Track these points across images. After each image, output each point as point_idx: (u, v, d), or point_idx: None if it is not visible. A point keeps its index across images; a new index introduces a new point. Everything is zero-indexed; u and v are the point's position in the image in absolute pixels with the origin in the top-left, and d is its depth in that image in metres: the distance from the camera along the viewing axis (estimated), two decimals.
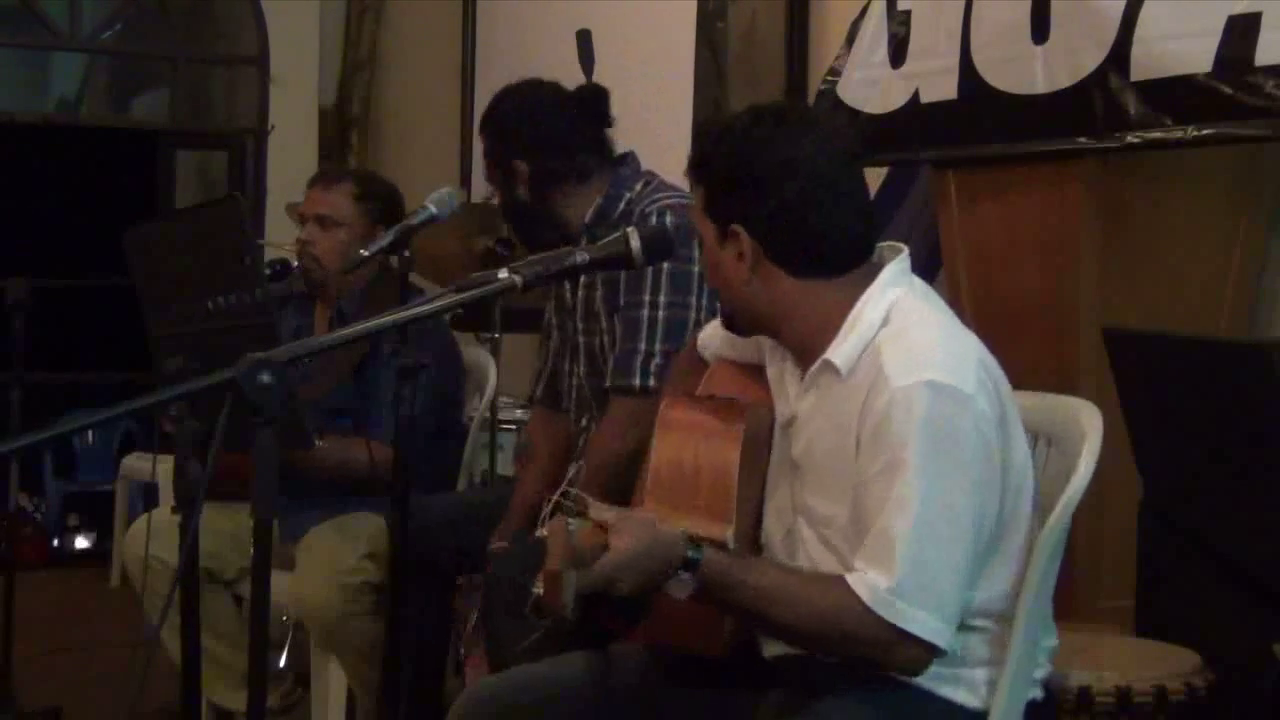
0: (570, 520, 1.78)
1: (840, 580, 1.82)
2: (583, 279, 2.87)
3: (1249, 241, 2.97)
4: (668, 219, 2.76)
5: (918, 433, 1.81)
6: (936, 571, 1.80)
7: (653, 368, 2.72)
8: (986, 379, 1.88)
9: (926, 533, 1.80)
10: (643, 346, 2.74)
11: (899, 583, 1.78)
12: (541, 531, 1.77)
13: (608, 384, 2.79)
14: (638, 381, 2.73)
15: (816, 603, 1.83)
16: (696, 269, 2.70)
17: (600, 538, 1.78)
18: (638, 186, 2.90)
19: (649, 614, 1.88)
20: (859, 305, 1.94)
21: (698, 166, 2.01)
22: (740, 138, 1.96)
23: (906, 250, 2.01)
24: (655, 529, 1.81)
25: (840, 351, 1.93)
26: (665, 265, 2.67)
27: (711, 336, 2.28)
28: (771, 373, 2.12)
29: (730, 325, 2.09)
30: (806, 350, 1.99)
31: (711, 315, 2.74)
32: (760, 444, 2.07)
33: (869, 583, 1.80)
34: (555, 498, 1.84)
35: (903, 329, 1.91)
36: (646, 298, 2.75)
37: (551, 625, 1.79)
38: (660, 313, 2.75)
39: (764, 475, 2.09)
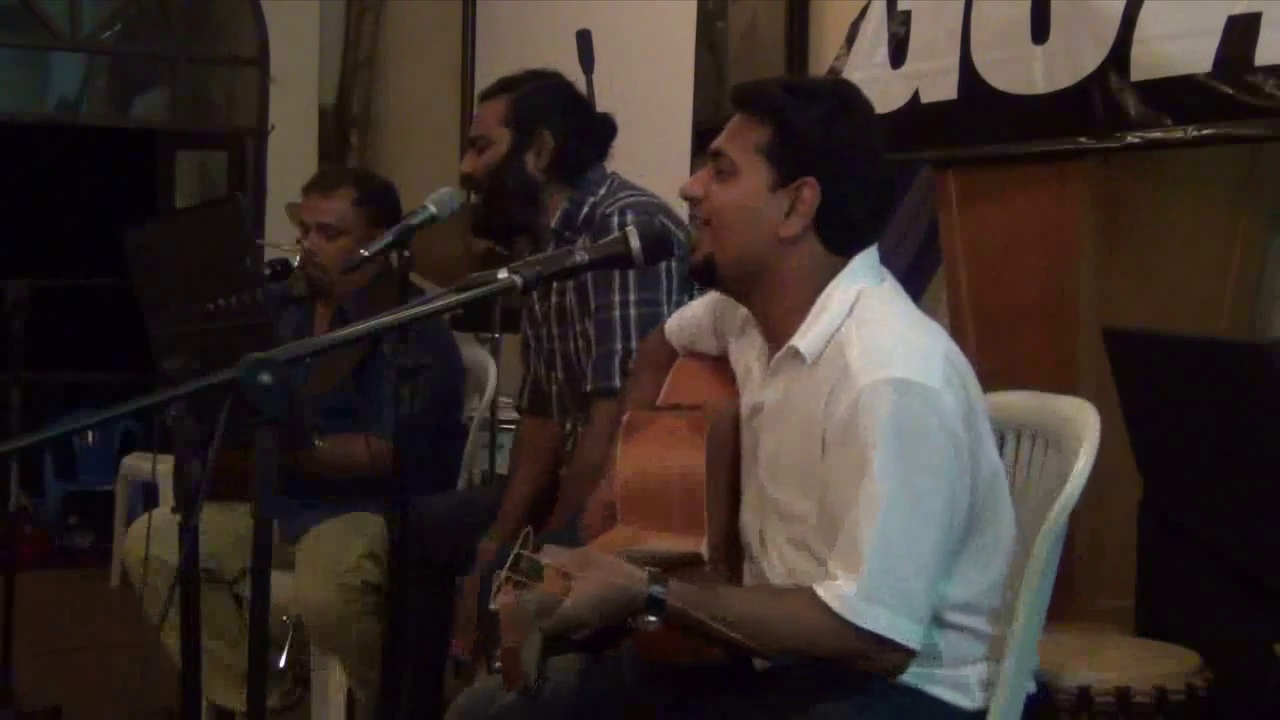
0: (526, 595, 1.75)
1: (809, 593, 1.82)
2: (555, 284, 2.86)
3: (1249, 241, 2.97)
4: (628, 217, 2.75)
5: (884, 432, 1.80)
6: (904, 572, 1.80)
7: (630, 367, 2.72)
8: (953, 373, 1.88)
9: (893, 535, 1.80)
10: (619, 346, 2.74)
11: (866, 587, 1.78)
12: (494, 605, 1.75)
13: (588, 388, 2.79)
14: (618, 383, 2.72)
15: (788, 624, 1.82)
16: (663, 264, 2.70)
17: (563, 585, 1.75)
18: (601, 190, 2.89)
19: (623, 640, 1.86)
20: (827, 290, 1.95)
21: (778, 106, 1.96)
22: (840, 108, 1.97)
23: (874, 245, 2.01)
24: (617, 571, 1.78)
25: (806, 339, 1.93)
26: None
27: (680, 328, 2.28)
28: (736, 362, 2.12)
29: (708, 274, 2.02)
30: (776, 326, 1.99)
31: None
32: (725, 448, 2.05)
33: (837, 591, 1.79)
34: (506, 572, 1.80)
35: (867, 322, 1.91)
36: (617, 298, 2.75)
37: (519, 694, 1.77)
38: (632, 311, 2.74)
39: (734, 476, 2.08)
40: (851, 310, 1.93)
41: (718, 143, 2.00)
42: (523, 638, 1.71)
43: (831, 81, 2.04)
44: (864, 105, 2.02)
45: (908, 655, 1.82)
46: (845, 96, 2.02)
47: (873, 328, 1.90)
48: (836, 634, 1.79)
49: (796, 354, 1.93)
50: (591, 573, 1.77)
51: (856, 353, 1.86)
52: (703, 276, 2.04)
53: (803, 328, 1.94)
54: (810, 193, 1.93)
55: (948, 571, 1.88)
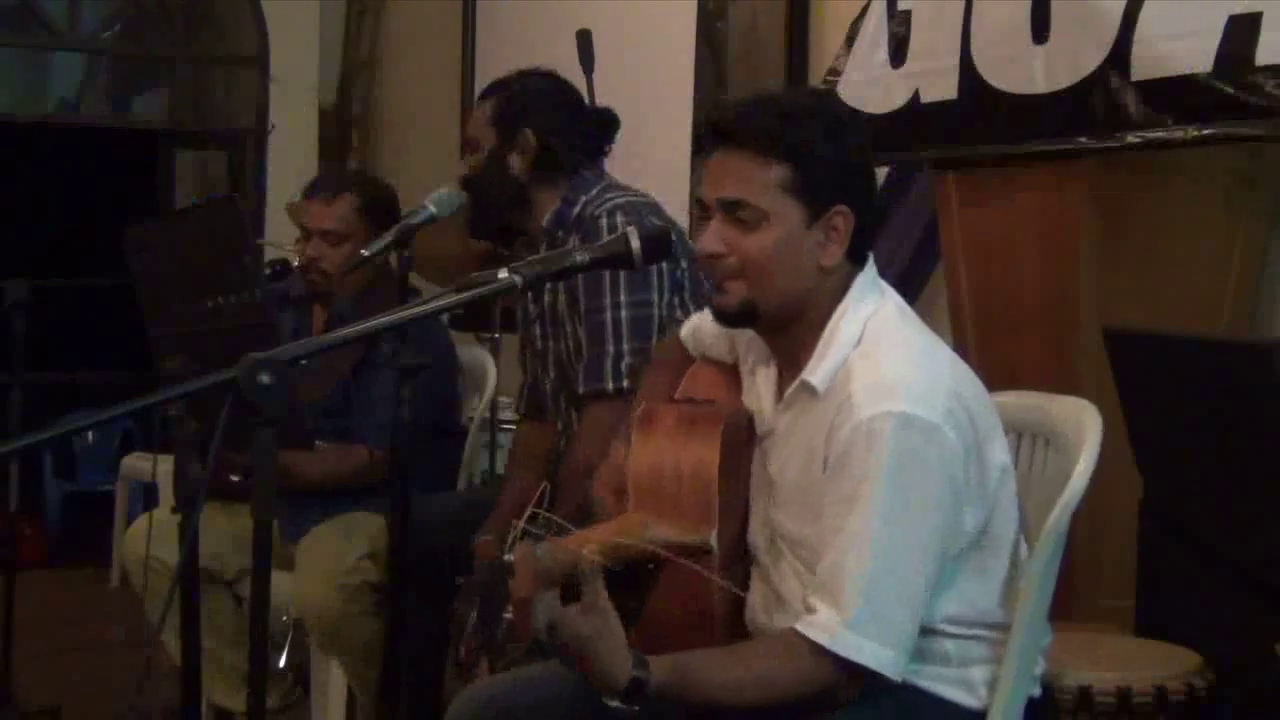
0: (539, 546, 1.75)
1: (790, 636, 1.82)
2: (547, 286, 2.86)
3: (1249, 241, 2.97)
4: (618, 218, 2.75)
5: (881, 465, 1.80)
6: (891, 606, 1.80)
7: (623, 368, 2.72)
8: (956, 406, 1.86)
9: (882, 568, 1.79)
10: (610, 348, 2.74)
11: (851, 619, 1.78)
12: (509, 557, 1.75)
13: (580, 390, 2.79)
14: (610, 384, 2.73)
15: (769, 678, 1.81)
16: (653, 265, 2.69)
17: (570, 555, 1.74)
18: (594, 190, 2.90)
19: (633, 625, 1.86)
20: (834, 318, 1.93)
21: (788, 140, 1.88)
22: (837, 123, 1.94)
23: (870, 259, 1.99)
24: (606, 646, 1.73)
25: (818, 373, 1.92)
26: None
27: (693, 334, 2.27)
28: (744, 375, 2.11)
29: (746, 319, 1.97)
30: (792, 353, 1.97)
31: (673, 310, 2.75)
32: (738, 447, 2.05)
33: (821, 624, 1.79)
34: (521, 524, 1.80)
35: (875, 351, 1.90)
36: (608, 300, 2.75)
37: (527, 649, 1.77)
38: (623, 313, 2.74)
39: (746, 481, 2.08)
40: (861, 338, 1.92)
41: (728, 192, 1.91)
42: (536, 589, 1.70)
43: (816, 98, 2.00)
44: (853, 114, 2.02)
45: (880, 683, 1.82)
46: (839, 112, 2.00)
47: (878, 358, 1.89)
48: (821, 672, 1.80)
49: (808, 388, 1.93)
50: (591, 625, 1.73)
51: (860, 384, 1.85)
52: (737, 321, 1.99)
53: (813, 361, 1.93)
54: (844, 219, 1.92)
55: (950, 588, 1.88)
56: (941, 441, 1.82)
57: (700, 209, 1.96)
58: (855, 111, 2.06)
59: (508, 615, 1.74)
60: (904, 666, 1.82)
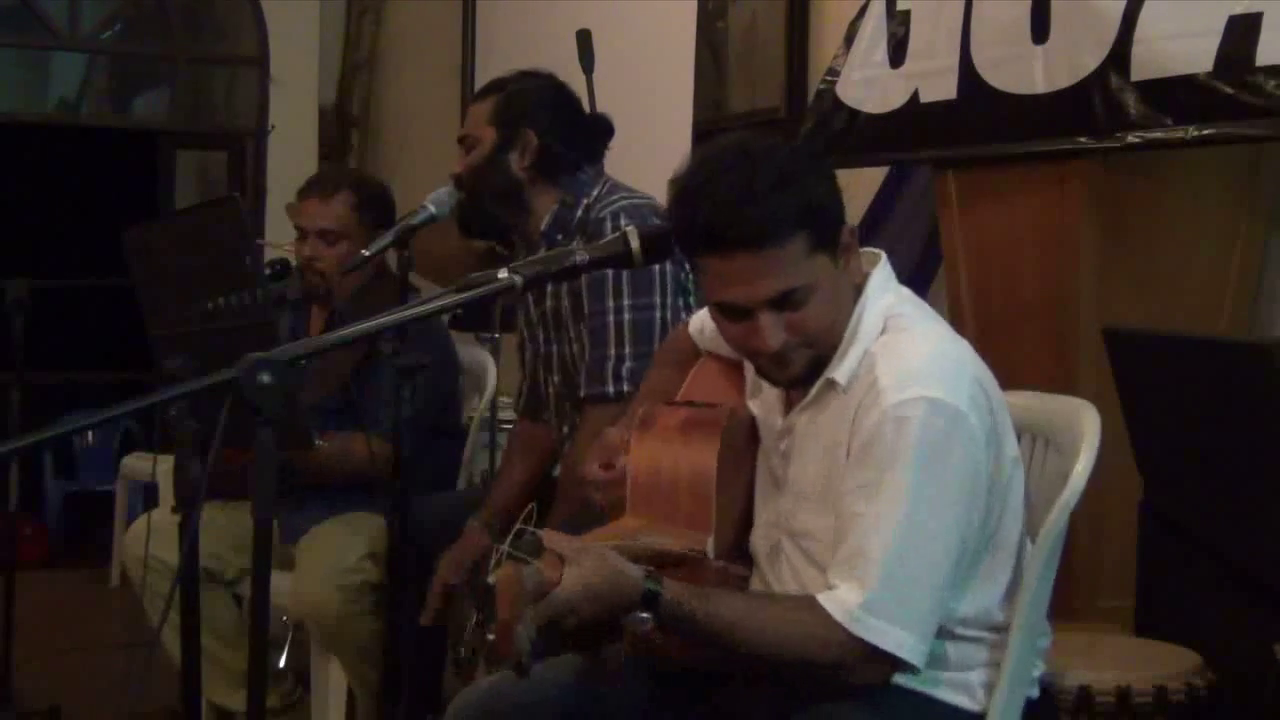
0: (524, 570, 1.75)
1: (810, 600, 1.81)
2: (549, 288, 2.86)
3: (1249, 241, 2.97)
4: (622, 221, 2.75)
5: (907, 451, 1.80)
6: (913, 589, 1.80)
7: (624, 372, 2.72)
8: (980, 394, 1.87)
9: (905, 550, 1.79)
10: (612, 352, 2.74)
11: (872, 599, 1.77)
12: (492, 579, 1.75)
13: (582, 393, 2.79)
14: (611, 388, 2.73)
15: (784, 628, 1.80)
16: (657, 267, 2.69)
17: (557, 571, 1.74)
18: (594, 192, 2.89)
19: (616, 639, 1.85)
20: (854, 317, 1.93)
21: (796, 219, 1.84)
22: (808, 159, 1.94)
23: (885, 256, 2.00)
24: (613, 563, 1.75)
25: (842, 370, 1.92)
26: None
27: (701, 329, 2.26)
28: (749, 374, 2.11)
29: (820, 370, 1.94)
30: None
31: (677, 313, 2.75)
32: (738, 451, 2.05)
33: (840, 599, 1.79)
34: (505, 547, 1.80)
35: (898, 340, 1.90)
36: (610, 303, 2.75)
37: (510, 669, 1.76)
38: (626, 316, 2.74)
39: (747, 483, 2.07)
40: (884, 329, 1.92)
41: (773, 289, 1.85)
42: (519, 612, 1.71)
43: (773, 153, 1.89)
44: (800, 144, 2.02)
45: (895, 669, 1.82)
46: (802, 151, 2.02)
47: (902, 345, 1.89)
48: (837, 644, 1.78)
49: (832, 385, 1.93)
50: (586, 560, 1.74)
51: (886, 370, 1.86)
52: (807, 381, 1.96)
53: (836, 358, 1.92)
54: (851, 233, 1.93)
55: (959, 588, 1.88)
56: (967, 427, 1.83)
57: (728, 312, 1.90)
58: (800, 140, 2.03)
59: (491, 637, 1.74)
60: (924, 655, 1.81)
